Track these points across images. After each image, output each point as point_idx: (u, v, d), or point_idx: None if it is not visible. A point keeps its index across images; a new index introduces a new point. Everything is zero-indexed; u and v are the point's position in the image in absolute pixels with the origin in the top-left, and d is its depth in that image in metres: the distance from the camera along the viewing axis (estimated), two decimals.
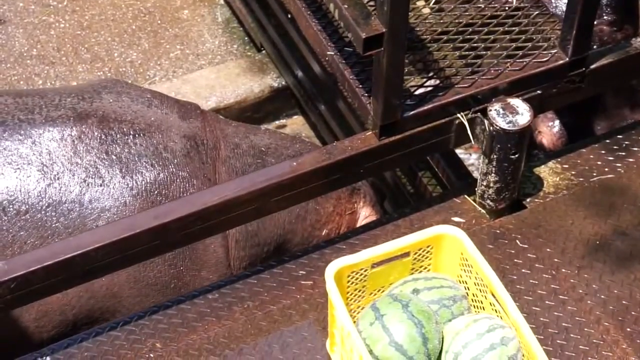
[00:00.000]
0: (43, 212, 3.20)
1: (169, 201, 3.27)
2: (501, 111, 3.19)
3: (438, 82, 3.26)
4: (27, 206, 3.20)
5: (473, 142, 3.30)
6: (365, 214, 3.79)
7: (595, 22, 3.32)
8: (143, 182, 3.24)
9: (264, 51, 5.42)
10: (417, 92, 3.24)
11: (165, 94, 3.83)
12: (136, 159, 3.27)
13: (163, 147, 3.31)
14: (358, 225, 3.74)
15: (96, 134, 3.29)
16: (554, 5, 3.91)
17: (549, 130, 4.06)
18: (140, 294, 3.36)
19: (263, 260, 3.59)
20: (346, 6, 2.87)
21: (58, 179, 3.22)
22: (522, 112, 3.20)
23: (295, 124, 5.45)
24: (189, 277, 3.42)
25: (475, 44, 3.38)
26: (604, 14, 3.97)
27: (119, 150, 3.27)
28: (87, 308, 3.32)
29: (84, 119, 3.32)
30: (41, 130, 3.28)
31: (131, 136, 3.31)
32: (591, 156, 3.59)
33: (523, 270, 3.28)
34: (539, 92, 3.32)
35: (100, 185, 3.22)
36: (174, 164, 3.28)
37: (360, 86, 3.22)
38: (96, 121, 3.31)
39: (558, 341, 3.09)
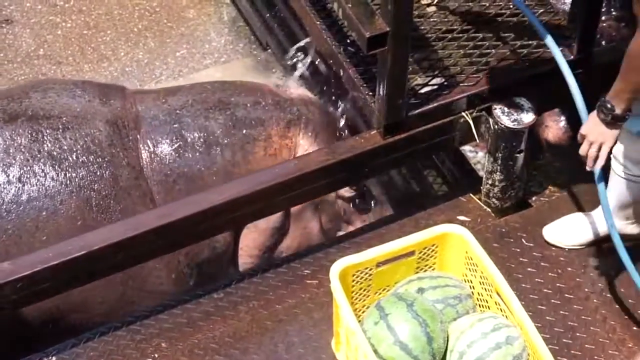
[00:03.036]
0: None
1: (104, 195, 3.27)
2: (506, 109, 3.18)
3: (443, 80, 3.25)
4: None
5: (478, 141, 3.30)
6: (305, 146, 3.55)
7: (602, 18, 3.30)
8: (76, 178, 3.26)
9: (269, 50, 5.42)
10: (421, 91, 3.23)
11: (89, 80, 3.75)
12: (67, 154, 3.28)
13: (90, 139, 3.31)
14: (298, 154, 3.52)
15: (27, 132, 3.30)
16: (561, 2, 3.89)
17: (555, 125, 4.04)
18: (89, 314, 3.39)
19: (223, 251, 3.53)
20: (350, 5, 2.86)
21: None
22: (527, 110, 3.19)
23: None
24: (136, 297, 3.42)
25: (479, 42, 3.37)
26: (612, 10, 3.95)
27: (50, 147, 3.28)
28: (38, 323, 3.31)
29: (14, 119, 3.33)
30: None
31: (60, 131, 3.31)
32: None
33: (528, 269, 3.27)
34: (544, 90, 3.31)
35: (36, 185, 3.23)
36: (101, 157, 3.28)
37: (365, 85, 3.22)
38: (26, 120, 3.33)
39: (564, 340, 3.08)
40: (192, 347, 3.14)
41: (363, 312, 3.01)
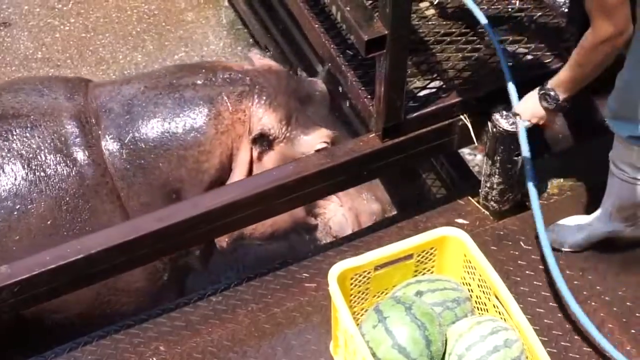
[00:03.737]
0: None
1: (73, 194, 3.25)
2: (504, 113, 3.18)
3: (441, 83, 3.25)
4: None
5: (476, 144, 3.30)
6: (259, 114, 3.43)
7: None
8: (45, 178, 3.25)
9: (268, 53, 5.42)
10: (420, 94, 3.23)
11: (56, 76, 3.69)
12: (36, 153, 3.27)
13: (57, 137, 3.30)
14: (255, 129, 3.42)
15: None
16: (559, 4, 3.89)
17: (553, 126, 4.04)
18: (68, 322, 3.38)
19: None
20: (349, 8, 2.86)
21: None
22: None
23: None
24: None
25: (478, 45, 3.37)
26: None
27: (20, 146, 3.28)
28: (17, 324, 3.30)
29: None
30: None
31: (29, 129, 3.30)
32: (595, 157, 3.57)
33: (527, 272, 3.27)
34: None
35: (7, 185, 3.23)
36: (67, 155, 3.27)
37: (363, 88, 3.22)
38: None
39: (562, 343, 3.08)
40: (190, 351, 3.14)
41: (361, 315, 3.01)
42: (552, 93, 2.86)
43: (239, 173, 3.43)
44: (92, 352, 3.14)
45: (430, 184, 4.06)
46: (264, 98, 3.43)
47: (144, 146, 3.34)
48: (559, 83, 2.85)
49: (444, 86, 3.24)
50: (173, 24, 5.63)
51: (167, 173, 3.35)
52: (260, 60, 3.71)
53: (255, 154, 3.44)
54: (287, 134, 3.43)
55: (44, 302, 3.05)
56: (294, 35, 4.87)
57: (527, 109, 2.97)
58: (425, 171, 4.07)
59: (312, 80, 3.70)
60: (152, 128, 3.36)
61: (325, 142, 3.46)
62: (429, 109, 3.19)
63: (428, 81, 3.27)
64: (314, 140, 3.46)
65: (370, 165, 3.21)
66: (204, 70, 3.51)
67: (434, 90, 3.24)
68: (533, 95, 2.95)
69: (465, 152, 4.13)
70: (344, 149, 3.20)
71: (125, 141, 3.34)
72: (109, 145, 3.33)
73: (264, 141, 3.42)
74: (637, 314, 3.15)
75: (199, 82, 3.45)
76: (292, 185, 3.12)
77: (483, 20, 3.25)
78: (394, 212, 4.03)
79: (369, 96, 3.18)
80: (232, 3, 5.69)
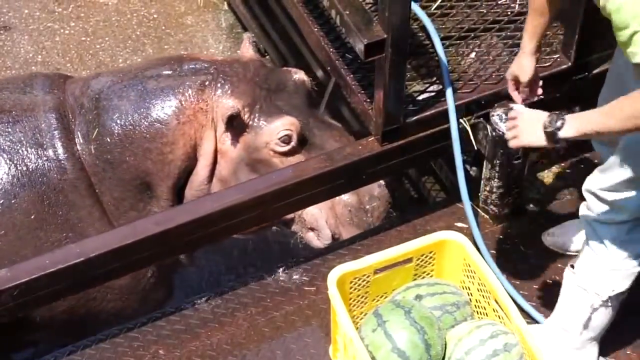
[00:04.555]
0: None
1: (53, 188, 3.25)
2: (504, 116, 3.17)
3: (440, 87, 3.25)
4: None
5: (476, 148, 3.29)
6: (220, 103, 3.35)
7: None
8: (27, 172, 3.25)
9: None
10: (419, 98, 3.24)
11: (37, 72, 3.67)
12: (17, 147, 3.28)
13: (38, 131, 3.30)
14: (218, 118, 3.35)
15: None
16: None
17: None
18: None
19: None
20: (348, 12, 2.86)
21: None
22: None
23: None
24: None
25: (477, 49, 3.37)
26: None
27: (2, 141, 3.29)
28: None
29: None
30: None
31: (11, 124, 3.31)
32: (595, 161, 3.58)
33: (526, 276, 3.27)
34: (541, 96, 3.30)
35: None
36: (47, 149, 3.28)
37: (363, 92, 3.22)
38: None
39: None
40: (189, 354, 3.14)
41: (361, 319, 3.01)
42: (559, 122, 2.52)
43: (203, 163, 3.39)
44: (91, 355, 3.14)
45: (429, 187, 4.06)
46: (227, 87, 3.38)
47: (109, 140, 3.32)
48: (576, 120, 2.52)
49: (443, 90, 3.23)
50: (173, 27, 5.64)
51: (135, 166, 3.33)
52: (247, 46, 3.67)
53: (219, 144, 3.40)
54: (250, 122, 3.37)
55: (44, 305, 3.06)
56: (293, 38, 4.87)
57: (524, 120, 2.66)
58: (424, 175, 4.07)
59: (286, 70, 3.62)
60: (116, 122, 3.33)
61: (288, 129, 3.34)
62: (428, 113, 3.19)
63: (427, 85, 3.27)
64: (276, 128, 3.34)
65: (369, 169, 3.21)
66: (171, 62, 3.48)
67: (433, 94, 3.24)
68: (540, 113, 2.66)
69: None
70: (343, 152, 3.20)
71: (93, 136, 3.32)
72: (80, 140, 3.33)
73: (228, 128, 3.36)
74: (637, 318, 3.14)
75: (163, 73, 3.42)
76: (291, 189, 3.12)
77: (435, 37, 3.20)
78: (394, 216, 4.02)
79: (368, 100, 3.19)
80: (232, 7, 5.70)
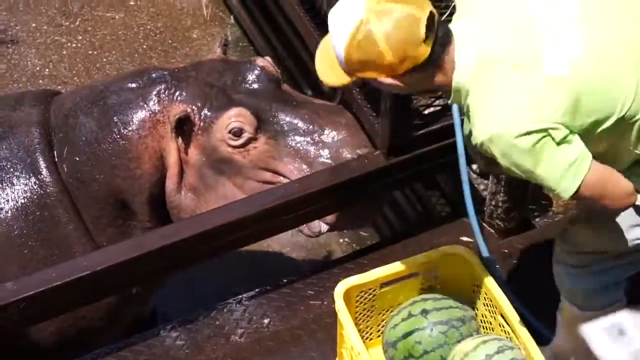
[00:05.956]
0: None
1: (37, 204, 3.21)
2: None
3: (446, 101, 3.25)
4: None
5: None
6: (171, 110, 3.24)
7: None
8: (11, 188, 3.23)
9: None
10: (425, 112, 3.24)
11: (27, 90, 3.68)
12: (3, 164, 3.26)
13: (23, 147, 3.27)
14: (173, 120, 3.21)
15: None
16: None
17: None
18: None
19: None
20: None
21: None
22: None
23: None
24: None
25: None
26: None
27: None
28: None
29: None
30: None
31: None
32: None
33: (532, 290, 3.26)
34: None
35: None
36: (31, 165, 3.24)
37: (369, 106, 3.23)
38: None
39: None
40: None
41: (367, 332, 3.00)
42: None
43: (171, 174, 3.29)
44: None
45: (435, 201, 4.05)
46: (177, 93, 3.28)
47: (78, 159, 3.26)
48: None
49: (449, 104, 3.23)
50: (179, 41, 5.65)
51: (105, 184, 3.25)
52: (216, 46, 3.56)
53: (183, 153, 3.29)
54: (201, 124, 3.25)
55: (50, 318, 3.06)
56: (299, 52, 4.88)
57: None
58: (430, 189, 4.06)
59: (248, 60, 3.49)
60: (82, 140, 3.28)
61: (239, 121, 3.20)
62: (434, 127, 3.19)
63: (434, 99, 3.27)
64: (223, 123, 3.22)
65: (375, 183, 3.21)
66: (134, 75, 3.41)
67: (439, 108, 3.24)
68: None
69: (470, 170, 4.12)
70: (349, 166, 3.19)
71: (64, 155, 3.28)
72: (56, 158, 3.29)
73: (180, 134, 3.26)
74: None
75: (126, 86, 3.35)
76: (297, 203, 3.12)
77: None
78: (399, 230, 4.02)
79: (374, 114, 3.19)
80: (238, 20, 5.71)
